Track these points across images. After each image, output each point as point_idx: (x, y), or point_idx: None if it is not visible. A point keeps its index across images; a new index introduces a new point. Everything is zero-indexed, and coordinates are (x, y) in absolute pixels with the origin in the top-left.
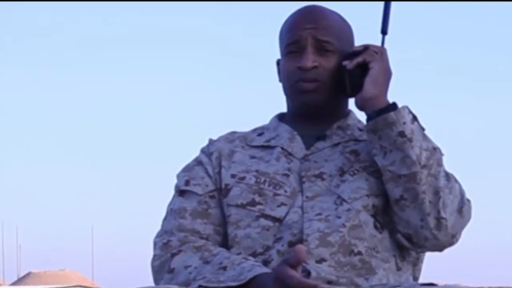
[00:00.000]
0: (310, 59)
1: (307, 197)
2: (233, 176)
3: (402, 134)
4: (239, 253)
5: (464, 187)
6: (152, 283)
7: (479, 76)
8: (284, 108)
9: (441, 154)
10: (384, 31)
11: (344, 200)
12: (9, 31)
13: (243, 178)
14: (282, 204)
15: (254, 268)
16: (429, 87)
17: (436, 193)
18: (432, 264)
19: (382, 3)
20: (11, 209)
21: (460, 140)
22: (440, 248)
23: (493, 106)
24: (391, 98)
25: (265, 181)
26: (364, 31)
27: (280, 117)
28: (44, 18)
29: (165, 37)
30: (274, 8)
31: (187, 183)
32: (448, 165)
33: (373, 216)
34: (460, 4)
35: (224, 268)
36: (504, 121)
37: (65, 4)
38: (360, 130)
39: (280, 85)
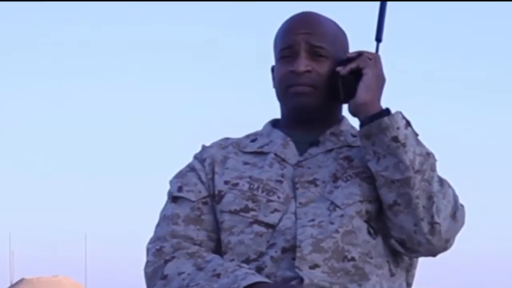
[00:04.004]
0: (303, 64)
1: (300, 203)
2: (226, 182)
3: (395, 139)
4: (232, 260)
5: (457, 192)
6: None
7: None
8: (278, 115)
9: (435, 160)
10: (378, 39)
11: (337, 206)
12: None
13: (236, 185)
14: (276, 210)
15: (248, 276)
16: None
17: (430, 198)
18: (426, 270)
19: (377, 11)
20: (4, 215)
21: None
22: (433, 253)
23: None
24: (386, 105)
25: (258, 187)
26: (359, 39)
27: (274, 123)
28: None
29: (154, 45)
30: (270, 12)
31: (180, 189)
32: (442, 170)
33: (367, 222)
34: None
35: (218, 276)
36: (500, 125)
37: (65, 5)
38: (354, 136)
39: (274, 91)
